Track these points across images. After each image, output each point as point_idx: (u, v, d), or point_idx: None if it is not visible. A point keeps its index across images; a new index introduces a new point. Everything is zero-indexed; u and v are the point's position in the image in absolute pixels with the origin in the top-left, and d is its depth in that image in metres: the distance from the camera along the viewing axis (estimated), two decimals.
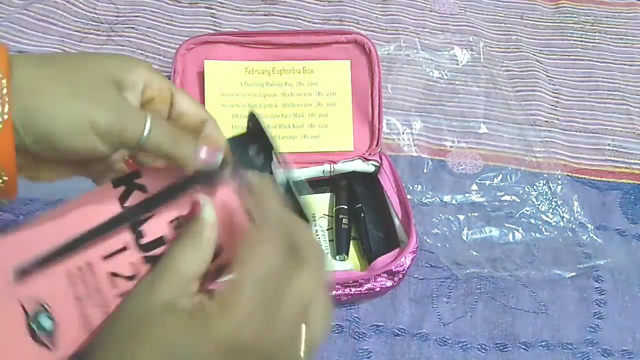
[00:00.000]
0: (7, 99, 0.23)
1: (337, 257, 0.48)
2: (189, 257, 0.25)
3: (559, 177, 0.57)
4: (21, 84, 0.24)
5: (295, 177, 0.28)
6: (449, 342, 0.46)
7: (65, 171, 0.28)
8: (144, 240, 0.25)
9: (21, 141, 0.24)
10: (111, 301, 0.25)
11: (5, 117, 0.23)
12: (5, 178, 0.24)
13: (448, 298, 0.48)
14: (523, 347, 0.46)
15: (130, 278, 0.25)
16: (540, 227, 0.53)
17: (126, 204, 0.26)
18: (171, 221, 0.26)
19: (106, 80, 0.26)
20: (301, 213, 0.27)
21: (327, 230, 0.50)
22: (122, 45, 0.62)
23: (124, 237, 0.25)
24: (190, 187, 0.26)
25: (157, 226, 0.26)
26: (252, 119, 0.28)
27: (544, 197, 0.55)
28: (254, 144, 0.28)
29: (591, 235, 0.53)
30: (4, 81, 0.23)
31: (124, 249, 0.25)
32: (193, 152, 0.26)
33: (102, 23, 0.64)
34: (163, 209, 0.26)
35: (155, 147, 0.26)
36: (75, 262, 0.24)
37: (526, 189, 0.56)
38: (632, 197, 0.57)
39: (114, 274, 0.25)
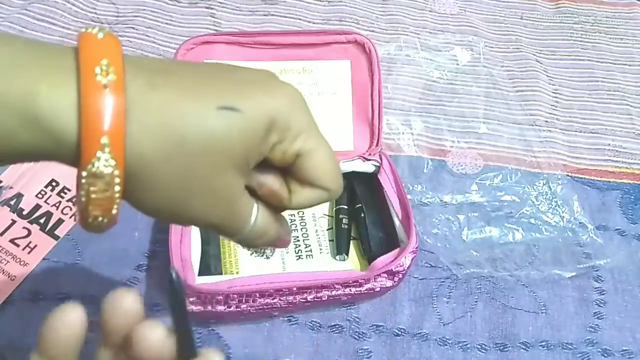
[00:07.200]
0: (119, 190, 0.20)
1: (337, 257, 0.48)
2: None
3: (559, 177, 0.57)
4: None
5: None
6: (449, 342, 0.46)
7: None
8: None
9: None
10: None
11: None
12: (106, 221, 0.21)
13: (448, 298, 0.48)
14: (523, 347, 0.46)
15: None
16: (540, 227, 0.53)
17: None
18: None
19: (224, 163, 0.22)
20: None
21: (327, 230, 0.50)
22: (122, 46, 0.62)
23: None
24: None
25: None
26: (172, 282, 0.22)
27: (544, 197, 0.55)
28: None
29: (591, 235, 0.53)
30: (118, 180, 0.20)
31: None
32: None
33: (102, 23, 0.64)
34: None
35: (255, 235, 0.25)
36: None
37: (526, 189, 0.55)
38: (632, 197, 0.57)
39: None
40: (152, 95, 0.20)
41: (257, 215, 0.25)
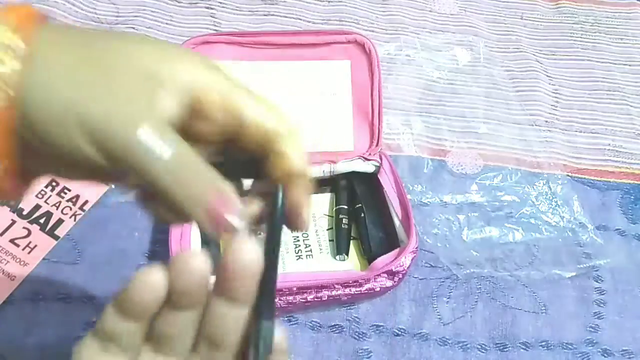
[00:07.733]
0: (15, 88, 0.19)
1: (337, 257, 0.48)
2: None
3: (559, 177, 0.57)
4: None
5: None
6: (449, 342, 0.46)
7: (81, 173, 0.22)
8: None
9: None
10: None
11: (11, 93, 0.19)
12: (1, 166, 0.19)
13: (448, 298, 0.48)
14: (523, 347, 0.46)
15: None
16: (540, 227, 0.53)
17: None
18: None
19: (134, 70, 0.20)
20: None
21: (327, 230, 0.50)
22: None
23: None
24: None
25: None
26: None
27: (544, 197, 0.55)
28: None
29: (591, 235, 0.53)
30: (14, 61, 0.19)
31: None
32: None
33: (102, 23, 0.64)
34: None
35: (163, 188, 0.20)
36: None
37: (526, 189, 0.55)
38: (632, 197, 0.57)
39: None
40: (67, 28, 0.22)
41: (176, 148, 0.20)
